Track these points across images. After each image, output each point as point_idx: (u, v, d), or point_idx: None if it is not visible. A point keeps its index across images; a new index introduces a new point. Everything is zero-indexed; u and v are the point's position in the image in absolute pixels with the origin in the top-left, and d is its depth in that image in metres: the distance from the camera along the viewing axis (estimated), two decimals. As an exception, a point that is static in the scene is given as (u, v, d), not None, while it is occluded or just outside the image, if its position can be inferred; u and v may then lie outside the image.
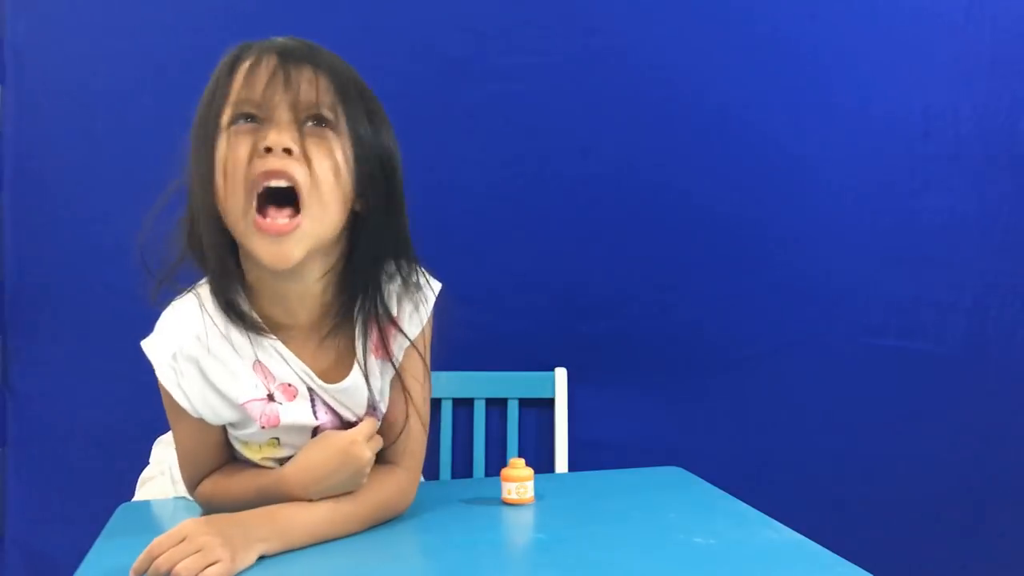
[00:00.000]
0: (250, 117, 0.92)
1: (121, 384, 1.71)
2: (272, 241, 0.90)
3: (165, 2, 1.69)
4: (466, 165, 1.72)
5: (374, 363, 1.04)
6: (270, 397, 1.00)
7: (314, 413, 1.02)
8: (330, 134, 0.93)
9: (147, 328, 1.69)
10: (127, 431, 1.71)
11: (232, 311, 0.97)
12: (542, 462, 1.72)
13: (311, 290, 0.99)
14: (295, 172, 0.89)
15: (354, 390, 1.03)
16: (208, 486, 1.06)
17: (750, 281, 1.75)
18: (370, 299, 1.00)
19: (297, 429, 1.02)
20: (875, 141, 1.75)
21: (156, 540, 0.88)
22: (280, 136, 0.89)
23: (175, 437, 1.05)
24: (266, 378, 1.00)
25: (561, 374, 1.73)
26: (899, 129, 1.75)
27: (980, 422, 1.78)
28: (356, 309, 1.01)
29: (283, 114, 0.91)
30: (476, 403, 1.72)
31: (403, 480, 1.07)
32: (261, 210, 0.91)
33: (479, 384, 1.72)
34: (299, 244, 0.91)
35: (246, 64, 0.93)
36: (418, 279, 1.06)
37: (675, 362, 1.76)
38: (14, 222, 1.70)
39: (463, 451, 1.73)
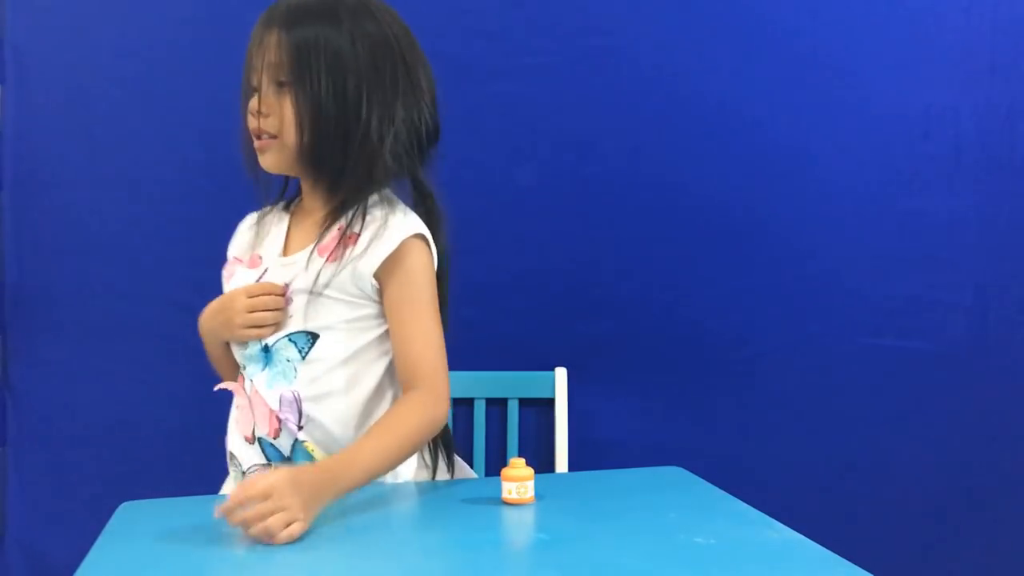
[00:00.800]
0: (253, 87, 1.20)
1: (121, 384, 1.71)
2: (260, 155, 1.21)
3: (165, 2, 1.69)
4: (466, 165, 1.72)
5: (319, 259, 1.18)
6: (249, 260, 1.25)
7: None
8: (286, 91, 1.17)
9: (147, 328, 1.70)
10: (127, 431, 1.72)
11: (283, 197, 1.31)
12: (542, 462, 1.72)
13: (312, 195, 1.26)
14: (267, 126, 1.18)
15: (292, 267, 1.20)
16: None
17: (751, 281, 1.75)
18: (338, 211, 1.20)
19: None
20: (875, 141, 1.75)
21: (244, 490, 0.98)
22: (258, 103, 1.18)
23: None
24: (256, 246, 1.27)
25: (561, 374, 1.73)
26: (899, 129, 1.75)
27: (980, 422, 1.78)
28: (326, 214, 1.21)
29: (262, 79, 1.18)
30: (476, 403, 1.72)
31: (420, 397, 1.16)
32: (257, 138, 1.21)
33: (479, 384, 1.72)
34: (271, 159, 1.20)
35: (254, 37, 1.19)
36: (386, 216, 1.19)
37: (675, 362, 1.76)
38: (14, 222, 1.70)
39: (463, 451, 1.73)
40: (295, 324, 1.18)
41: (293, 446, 1.19)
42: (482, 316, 1.73)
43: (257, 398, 1.20)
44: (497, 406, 1.73)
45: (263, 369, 1.20)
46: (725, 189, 1.74)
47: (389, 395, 1.22)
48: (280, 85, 1.17)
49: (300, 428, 1.18)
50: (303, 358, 1.17)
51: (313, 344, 1.17)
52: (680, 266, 1.75)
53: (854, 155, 1.75)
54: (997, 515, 1.79)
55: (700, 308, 1.75)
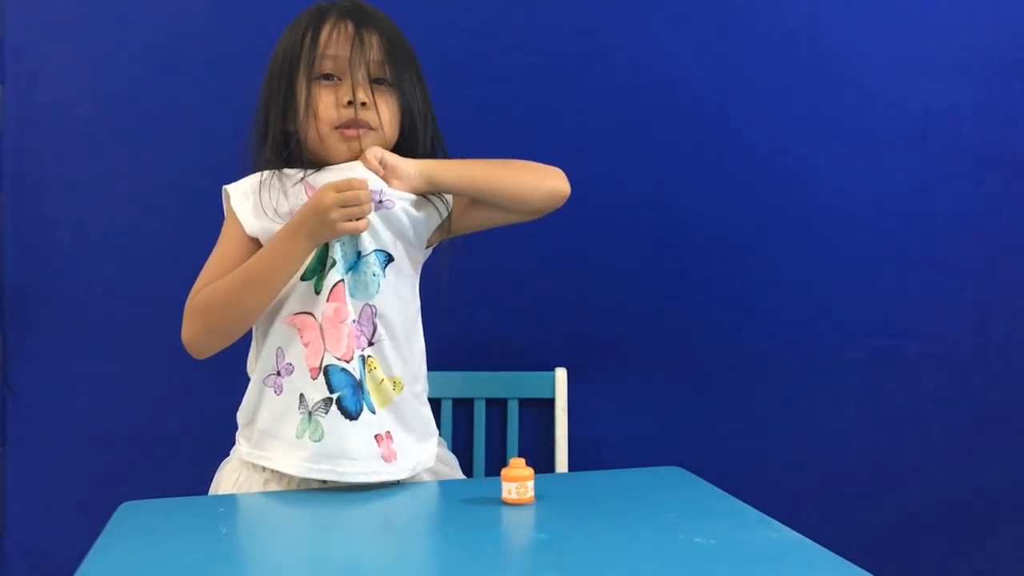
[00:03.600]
0: (330, 76, 1.26)
1: (121, 384, 1.71)
2: (349, 142, 1.27)
3: (165, 2, 1.69)
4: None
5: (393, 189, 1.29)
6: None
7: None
8: (385, 90, 1.29)
9: (147, 328, 1.70)
10: (127, 431, 1.72)
11: (298, 159, 1.30)
12: (542, 462, 1.72)
13: None
14: (368, 117, 1.27)
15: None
16: (202, 289, 1.26)
17: (750, 281, 1.75)
18: None
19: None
20: (875, 141, 1.75)
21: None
22: (357, 94, 1.25)
23: (213, 254, 1.30)
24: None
25: (561, 374, 1.73)
26: (899, 129, 1.75)
27: (980, 422, 1.78)
28: None
29: (358, 72, 1.25)
30: (476, 403, 1.72)
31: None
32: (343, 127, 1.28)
33: (479, 384, 1.72)
34: (366, 145, 1.27)
35: (327, 29, 1.26)
36: None
37: (675, 362, 1.76)
38: (14, 222, 1.70)
39: (463, 451, 1.73)
40: (376, 242, 1.27)
41: (360, 366, 1.24)
42: (482, 316, 1.73)
43: (333, 319, 1.23)
44: (497, 406, 1.73)
45: (348, 272, 1.25)
46: (725, 189, 1.74)
47: (420, 348, 1.36)
48: (378, 82, 1.27)
49: (371, 344, 1.26)
50: (384, 274, 1.28)
51: (388, 263, 1.28)
52: (680, 266, 1.75)
53: (854, 155, 1.75)
54: (997, 515, 1.79)
55: (700, 308, 1.75)
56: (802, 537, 0.98)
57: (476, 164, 1.32)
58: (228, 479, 1.30)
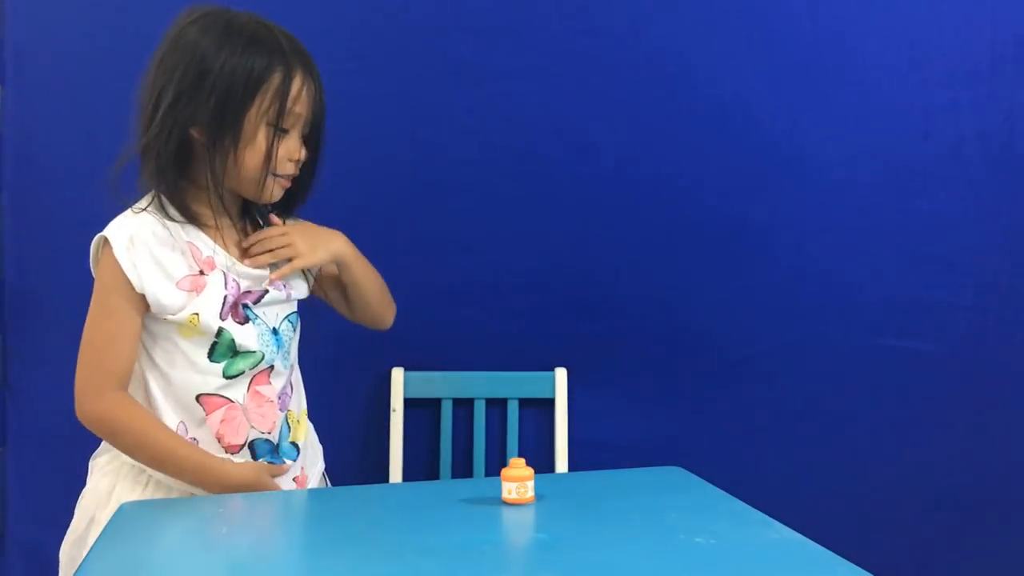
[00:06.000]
0: (285, 129, 1.24)
1: (121, 384, 1.71)
2: (277, 191, 1.29)
3: (165, 3, 1.69)
4: (466, 165, 1.72)
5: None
6: (200, 272, 1.24)
7: (225, 284, 1.25)
8: (305, 137, 1.29)
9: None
10: (127, 431, 1.71)
11: (185, 210, 1.26)
12: (542, 462, 1.72)
13: (231, 208, 1.31)
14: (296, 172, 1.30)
15: (257, 276, 1.29)
16: (116, 404, 1.23)
17: (750, 281, 1.75)
18: (256, 221, 1.35)
19: (213, 302, 1.23)
20: (875, 141, 1.75)
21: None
22: (301, 154, 1.27)
23: (95, 326, 1.28)
24: (194, 256, 1.24)
25: (561, 374, 1.73)
26: (899, 129, 1.75)
27: (980, 422, 1.78)
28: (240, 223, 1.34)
29: (303, 128, 1.27)
30: (476, 403, 1.72)
31: None
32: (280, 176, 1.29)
33: (479, 384, 1.72)
34: (278, 195, 1.30)
35: (298, 81, 1.23)
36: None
37: (675, 362, 1.76)
38: (14, 222, 1.70)
39: (463, 451, 1.73)
40: (285, 309, 1.33)
41: (280, 428, 1.31)
42: (482, 316, 1.73)
43: (257, 398, 1.27)
44: (497, 406, 1.73)
45: (277, 352, 1.30)
46: (725, 189, 1.74)
47: None
48: (303, 130, 1.28)
49: (290, 398, 1.34)
50: (294, 332, 1.36)
51: (298, 321, 1.37)
52: (680, 266, 1.75)
53: (854, 155, 1.75)
54: (997, 515, 1.79)
55: (700, 308, 1.75)
56: (802, 537, 0.98)
57: (372, 273, 1.42)
58: (103, 472, 1.32)
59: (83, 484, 1.77)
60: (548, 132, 1.72)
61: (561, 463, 1.71)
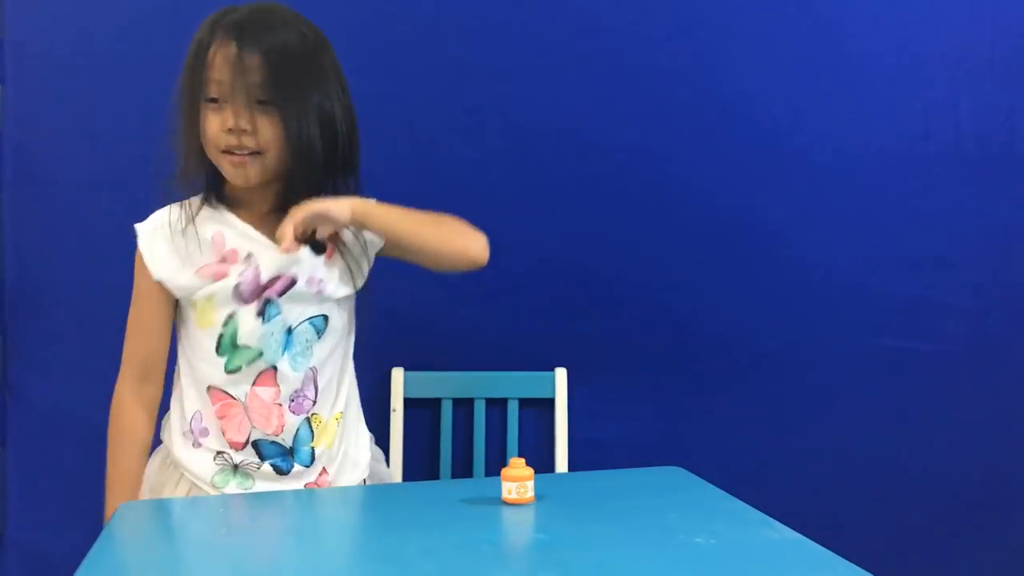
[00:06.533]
0: (215, 99, 1.21)
1: (121, 384, 1.71)
2: (236, 169, 1.23)
3: (165, 3, 1.69)
4: (466, 165, 1.72)
5: (316, 257, 1.28)
6: (223, 260, 1.25)
7: (242, 273, 1.25)
8: (270, 109, 1.21)
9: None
10: (127, 431, 1.71)
11: (222, 195, 1.29)
12: (542, 462, 1.72)
13: (263, 193, 1.28)
14: (248, 143, 1.21)
15: (289, 259, 1.25)
16: (119, 397, 1.30)
17: (750, 281, 1.75)
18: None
19: (226, 292, 1.25)
20: (875, 141, 1.75)
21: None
22: (237, 120, 1.20)
23: (130, 315, 1.31)
24: (216, 244, 1.26)
25: (561, 374, 1.73)
26: (899, 129, 1.75)
27: (980, 422, 1.78)
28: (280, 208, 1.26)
29: (239, 97, 1.19)
30: (476, 403, 1.72)
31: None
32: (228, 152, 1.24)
33: (479, 384, 1.72)
34: (252, 173, 1.23)
35: (212, 50, 1.20)
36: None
37: (676, 362, 1.76)
38: (14, 222, 1.70)
39: (463, 451, 1.73)
40: (311, 310, 1.27)
41: (297, 431, 1.27)
42: (482, 316, 1.73)
43: (262, 402, 1.25)
44: (497, 406, 1.73)
45: (283, 354, 1.26)
46: (725, 189, 1.74)
47: (351, 366, 1.38)
48: (263, 103, 1.20)
49: (314, 403, 1.28)
50: (319, 338, 1.29)
51: (326, 325, 1.29)
52: (680, 266, 1.75)
53: (854, 155, 1.75)
54: (997, 515, 1.79)
55: (700, 308, 1.75)
56: (802, 537, 0.98)
57: (409, 216, 1.28)
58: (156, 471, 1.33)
59: (83, 484, 1.77)
60: (548, 132, 1.72)
61: (561, 463, 1.71)
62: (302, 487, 1.28)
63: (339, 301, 1.31)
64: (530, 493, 1.10)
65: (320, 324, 1.29)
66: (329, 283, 1.28)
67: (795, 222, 1.75)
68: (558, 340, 1.74)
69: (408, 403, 1.72)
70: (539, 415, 1.75)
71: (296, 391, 1.27)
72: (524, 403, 1.73)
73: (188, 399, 1.28)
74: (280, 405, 1.26)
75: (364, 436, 1.40)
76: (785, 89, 1.74)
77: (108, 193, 1.70)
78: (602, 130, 1.73)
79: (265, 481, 1.27)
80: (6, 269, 1.70)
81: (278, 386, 1.26)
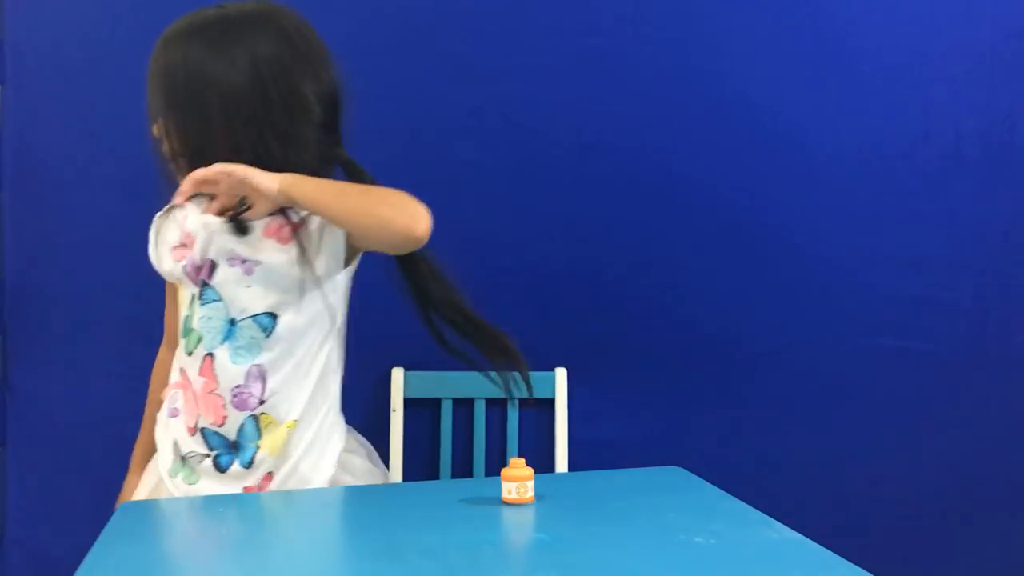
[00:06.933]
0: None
1: (121, 384, 1.71)
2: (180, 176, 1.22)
3: (164, 3, 1.69)
4: (466, 165, 1.72)
5: (270, 241, 1.23)
6: (183, 245, 1.26)
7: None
8: (178, 118, 1.22)
9: (146, 328, 1.69)
10: (127, 431, 1.71)
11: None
12: (542, 462, 1.72)
13: None
14: (166, 150, 1.25)
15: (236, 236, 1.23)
16: (158, 357, 1.43)
17: (750, 281, 1.75)
18: None
19: (182, 271, 1.26)
20: (875, 141, 1.75)
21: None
22: (153, 132, 1.25)
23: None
24: (181, 228, 1.27)
25: (561, 374, 1.73)
26: (899, 129, 1.75)
27: (980, 422, 1.78)
28: None
29: (153, 109, 1.25)
30: (476, 403, 1.72)
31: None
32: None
33: (479, 384, 1.72)
34: (181, 176, 1.20)
35: None
36: None
37: (675, 362, 1.75)
38: (14, 222, 1.70)
39: (463, 451, 1.73)
40: (257, 305, 1.23)
41: (241, 426, 1.24)
42: (482, 316, 1.73)
43: (203, 389, 1.24)
44: (497, 406, 1.73)
45: (223, 343, 1.23)
46: (725, 189, 1.74)
47: (337, 376, 1.32)
48: (163, 114, 1.23)
49: (262, 402, 1.23)
50: (267, 336, 1.23)
51: (275, 323, 1.23)
52: (680, 266, 1.75)
53: (854, 155, 1.75)
54: (997, 515, 1.79)
55: (700, 308, 1.75)
56: (802, 537, 0.98)
57: (341, 191, 1.21)
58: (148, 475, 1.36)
59: (83, 484, 1.77)
60: (548, 132, 1.72)
61: (561, 463, 1.71)
62: (241, 490, 1.23)
63: (302, 302, 1.24)
64: (530, 493, 1.10)
65: (266, 322, 1.23)
66: (267, 267, 1.21)
67: (795, 222, 1.75)
68: (558, 340, 1.74)
69: (408, 403, 1.72)
70: (539, 415, 1.75)
71: (238, 386, 1.22)
72: (524, 403, 1.73)
73: (172, 378, 1.32)
74: (221, 396, 1.23)
75: (328, 456, 1.30)
76: (785, 89, 1.74)
77: (108, 193, 1.70)
78: (602, 130, 1.73)
79: (207, 479, 1.24)
80: (6, 269, 1.70)
81: (216, 376, 1.23)
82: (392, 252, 1.27)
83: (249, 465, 1.24)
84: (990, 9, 1.74)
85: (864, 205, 1.75)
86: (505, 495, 1.10)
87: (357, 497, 1.21)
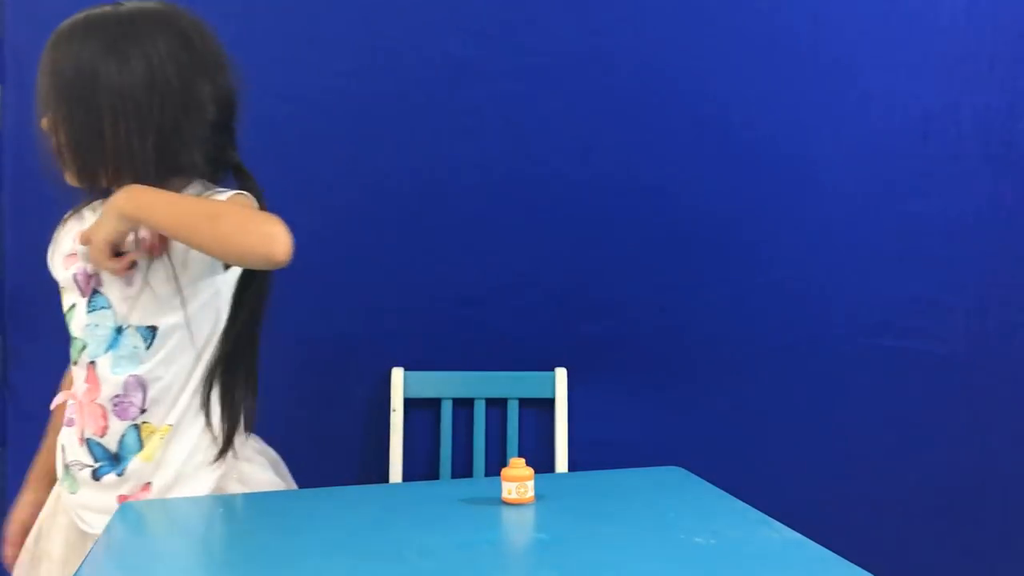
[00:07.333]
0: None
1: (121, 384, 1.71)
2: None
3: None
4: (466, 165, 1.72)
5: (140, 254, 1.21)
6: (73, 253, 1.25)
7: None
8: (61, 118, 1.20)
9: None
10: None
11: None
12: (542, 462, 1.72)
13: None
14: (54, 148, 1.22)
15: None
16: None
17: (750, 281, 1.75)
18: None
19: (70, 278, 1.25)
20: (875, 141, 1.75)
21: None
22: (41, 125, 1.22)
23: None
24: (76, 236, 1.23)
25: (561, 374, 1.73)
26: (899, 129, 1.75)
27: (980, 422, 1.78)
28: None
29: (40, 103, 1.22)
30: (476, 403, 1.72)
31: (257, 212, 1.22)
32: None
33: (479, 384, 1.72)
34: (68, 174, 1.23)
35: None
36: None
37: (675, 362, 1.76)
38: (14, 222, 1.70)
39: (463, 451, 1.73)
40: (139, 315, 1.21)
41: (123, 437, 1.22)
42: (482, 316, 1.73)
43: (86, 398, 1.23)
44: (497, 406, 1.73)
45: (107, 351, 1.21)
46: (725, 190, 1.74)
47: (218, 385, 1.27)
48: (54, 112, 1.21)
49: (143, 411, 1.21)
50: (148, 347, 1.21)
51: (154, 335, 1.21)
52: (680, 266, 1.75)
53: (854, 156, 1.75)
54: (997, 515, 1.79)
55: (700, 308, 1.75)
56: (802, 537, 0.98)
57: (188, 212, 1.16)
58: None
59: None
60: (548, 133, 1.72)
61: (561, 463, 1.71)
62: (114, 500, 1.21)
63: (182, 311, 1.21)
64: (530, 493, 1.10)
65: (146, 334, 1.21)
66: (144, 278, 1.20)
67: (795, 222, 1.75)
68: (558, 340, 1.74)
69: (408, 403, 1.72)
70: (539, 415, 1.75)
71: (118, 395, 1.21)
72: (524, 403, 1.73)
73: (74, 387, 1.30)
74: (102, 406, 1.22)
75: (213, 464, 1.26)
76: (785, 89, 1.74)
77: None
78: (602, 130, 1.73)
79: (85, 489, 1.23)
80: (6, 269, 1.70)
81: (99, 385, 1.22)
82: (254, 268, 1.24)
83: (122, 473, 1.22)
84: (990, 9, 1.74)
85: (864, 205, 1.75)
86: (505, 495, 1.10)
87: (357, 497, 1.21)
